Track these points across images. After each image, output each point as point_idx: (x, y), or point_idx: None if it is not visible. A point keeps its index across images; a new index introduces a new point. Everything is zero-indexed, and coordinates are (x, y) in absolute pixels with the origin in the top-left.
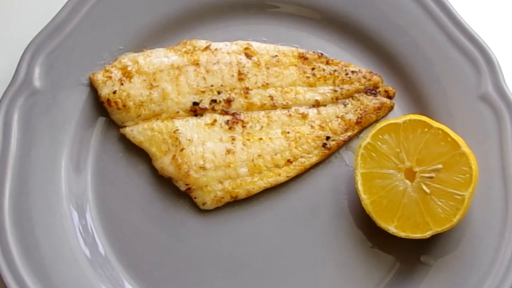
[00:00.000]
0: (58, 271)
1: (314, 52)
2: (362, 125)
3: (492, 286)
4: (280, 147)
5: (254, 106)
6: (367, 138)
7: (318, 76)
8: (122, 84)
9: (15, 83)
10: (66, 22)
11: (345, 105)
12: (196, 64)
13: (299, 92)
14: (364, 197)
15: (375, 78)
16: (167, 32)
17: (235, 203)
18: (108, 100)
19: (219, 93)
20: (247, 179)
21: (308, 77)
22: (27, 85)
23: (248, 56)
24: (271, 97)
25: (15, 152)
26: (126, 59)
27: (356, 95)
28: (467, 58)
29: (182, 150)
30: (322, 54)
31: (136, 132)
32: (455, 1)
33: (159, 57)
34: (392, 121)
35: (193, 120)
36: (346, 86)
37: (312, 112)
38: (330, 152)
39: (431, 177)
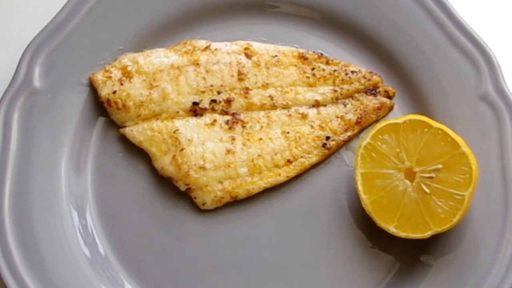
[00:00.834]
0: (58, 271)
1: (314, 52)
2: (362, 125)
3: (492, 286)
4: (280, 147)
5: (254, 106)
6: (367, 138)
7: (318, 76)
8: (122, 84)
9: (15, 83)
10: (66, 22)
11: (345, 105)
12: (196, 64)
13: (299, 92)
14: (364, 197)
15: (375, 78)
16: (167, 32)
17: (235, 203)
18: (108, 100)
19: (219, 93)
20: (247, 179)
21: (308, 77)
22: (27, 85)
23: (248, 56)
24: (271, 97)
25: (15, 152)
26: (126, 59)
27: (356, 95)
28: (467, 58)
29: (182, 150)
30: (322, 54)
31: (136, 132)
32: (455, 1)
33: (159, 57)
34: (392, 121)
35: (193, 120)
36: (346, 86)
37: (312, 112)
38: (330, 152)
39: (431, 177)
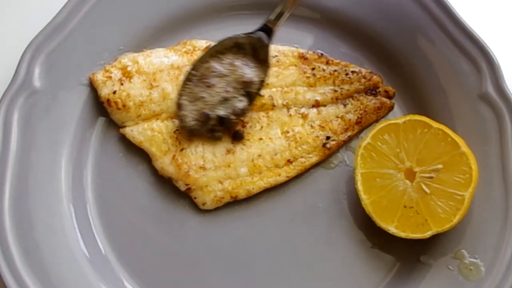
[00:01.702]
0: (58, 271)
1: (314, 52)
2: (362, 125)
3: (492, 286)
4: (280, 147)
5: (254, 106)
6: (367, 138)
7: (318, 76)
8: (122, 84)
9: (15, 83)
10: (66, 22)
11: (345, 105)
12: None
13: (299, 92)
14: (364, 197)
15: (375, 78)
16: (167, 32)
17: (235, 203)
18: (108, 100)
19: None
20: (247, 179)
21: (308, 77)
22: (27, 85)
23: None
24: (271, 97)
25: (15, 152)
26: (126, 59)
27: (356, 95)
28: (467, 58)
29: (182, 150)
30: (322, 54)
31: (136, 132)
32: (455, 1)
33: (159, 57)
34: (392, 121)
35: None
36: (346, 86)
37: (312, 112)
38: (330, 152)
39: (431, 177)
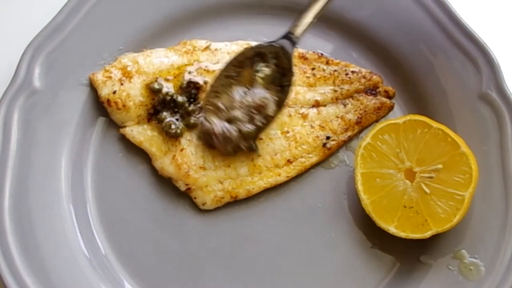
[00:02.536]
0: (58, 271)
1: (314, 52)
2: (362, 125)
3: (492, 286)
4: (280, 147)
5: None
6: (367, 138)
7: (318, 76)
8: (122, 84)
9: (15, 83)
10: (66, 22)
11: (345, 105)
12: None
13: (299, 92)
14: (364, 197)
15: (375, 78)
16: (167, 32)
17: (235, 203)
18: (108, 100)
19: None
20: (247, 179)
21: (308, 77)
22: (27, 85)
23: None
24: None
25: (15, 152)
26: (126, 59)
27: (356, 95)
28: (467, 58)
29: (182, 150)
30: (322, 54)
31: (136, 132)
32: (455, 1)
33: (159, 57)
34: (392, 121)
35: None
36: (346, 86)
37: (312, 112)
38: (330, 152)
39: (431, 177)
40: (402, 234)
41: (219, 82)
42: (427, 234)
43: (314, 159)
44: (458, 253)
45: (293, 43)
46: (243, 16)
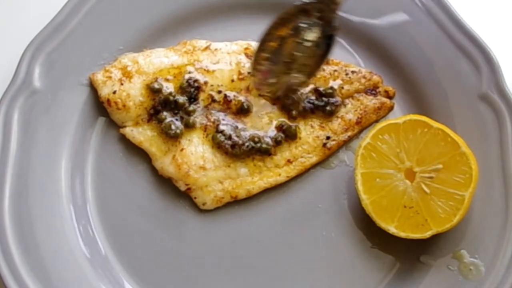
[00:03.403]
0: (58, 271)
1: None
2: (362, 125)
3: (492, 286)
4: (280, 147)
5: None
6: (367, 138)
7: (318, 76)
8: (122, 84)
9: (15, 83)
10: (66, 22)
11: (345, 105)
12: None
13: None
14: (364, 197)
15: (375, 78)
16: (167, 32)
17: (235, 203)
18: (108, 100)
19: (219, 92)
20: (247, 179)
21: None
22: (27, 85)
23: (248, 56)
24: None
25: (15, 152)
26: (126, 59)
27: (356, 95)
28: (467, 58)
29: (182, 150)
30: None
31: (136, 132)
32: (455, 1)
33: (159, 57)
34: (392, 121)
35: None
36: (346, 86)
37: None
38: (330, 152)
39: (431, 177)
40: (402, 234)
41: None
42: (427, 234)
43: (314, 159)
44: (458, 253)
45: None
46: (243, 16)
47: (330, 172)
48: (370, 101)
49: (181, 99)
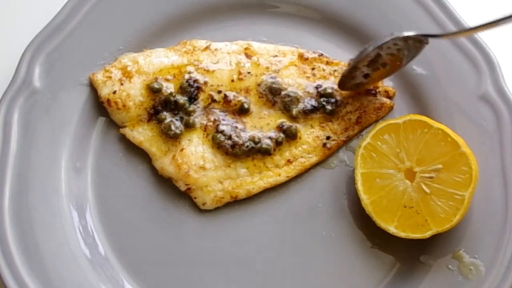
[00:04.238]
0: (58, 271)
1: (314, 52)
2: (362, 125)
3: (492, 286)
4: (280, 147)
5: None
6: (367, 138)
7: (318, 76)
8: (122, 84)
9: (15, 83)
10: (66, 22)
11: (345, 105)
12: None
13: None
14: (364, 197)
15: None
16: (167, 32)
17: (235, 203)
18: (108, 100)
19: (219, 92)
20: (247, 179)
21: (308, 77)
22: (27, 85)
23: (248, 56)
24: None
25: (15, 152)
26: (126, 59)
27: (356, 95)
28: (467, 58)
29: (182, 150)
30: (322, 54)
31: (136, 132)
32: (455, 1)
33: (159, 57)
34: (392, 121)
35: None
36: None
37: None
38: (330, 152)
39: (431, 177)
40: (402, 234)
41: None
42: (427, 234)
43: (314, 159)
44: (457, 253)
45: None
46: (243, 16)
47: (330, 172)
48: (370, 101)
49: (181, 99)
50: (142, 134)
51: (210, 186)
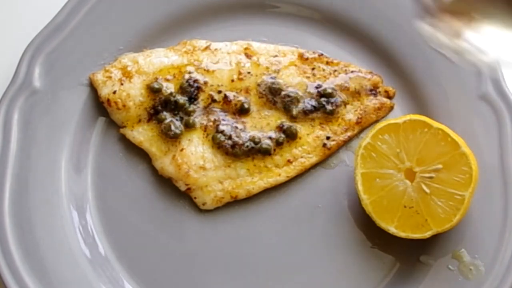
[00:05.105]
0: (58, 271)
1: (314, 52)
2: (362, 125)
3: (492, 286)
4: (280, 147)
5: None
6: (367, 138)
7: (318, 76)
8: (122, 84)
9: (15, 83)
10: (66, 22)
11: (345, 105)
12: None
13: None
14: (364, 197)
15: (375, 78)
16: (167, 32)
17: (235, 203)
18: (108, 100)
19: (219, 92)
20: (247, 179)
21: (308, 77)
22: (27, 85)
23: (248, 56)
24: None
25: (15, 152)
26: (126, 59)
27: (356, 95)
28: (467, 58)
29: (182, 150)
30: (322, 54)
31: (136, 132)
32: None
33: (159, 57)
34: (392, 121)
35: None
36: (346, 86)
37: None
38: (330, 152)
39: (431, 177)
40: (402, 234)
41: None
42: (427, 234)
43: (314, 159)
44: (458, 253)
45: None
46: (243, 16)
47: (330, 172)
48: (370, 101)
49: (182, 99)
50: (142, 134)
51: (210, 186)
